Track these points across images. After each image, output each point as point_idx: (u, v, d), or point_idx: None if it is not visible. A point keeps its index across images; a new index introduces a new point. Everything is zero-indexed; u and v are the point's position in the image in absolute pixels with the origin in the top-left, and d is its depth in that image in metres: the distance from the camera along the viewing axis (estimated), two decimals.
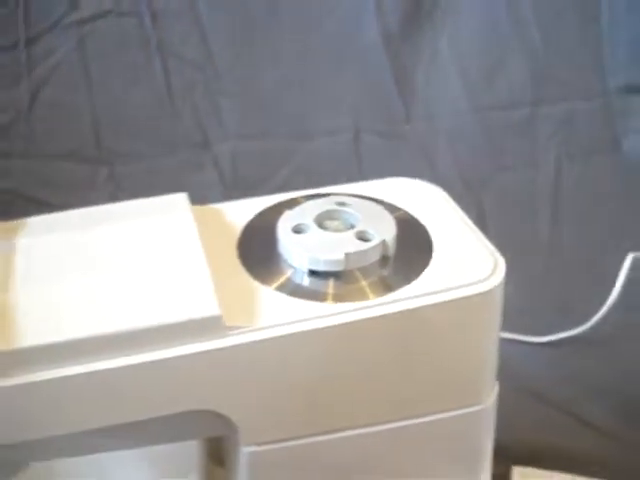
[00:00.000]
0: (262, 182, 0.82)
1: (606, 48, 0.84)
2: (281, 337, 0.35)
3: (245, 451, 0.38)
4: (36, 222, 0.40)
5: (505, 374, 0.42)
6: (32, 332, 0.33)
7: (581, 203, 0.81)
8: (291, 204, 0.42)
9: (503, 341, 0.41)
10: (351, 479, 0.41)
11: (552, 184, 0.82)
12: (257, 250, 0.40)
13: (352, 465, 0.41)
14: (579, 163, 0.83)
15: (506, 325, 0.41)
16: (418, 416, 0.40)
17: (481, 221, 0.78)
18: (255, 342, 0.35)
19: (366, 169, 0.83)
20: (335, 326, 0.36)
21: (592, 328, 0.67)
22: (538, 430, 0.62)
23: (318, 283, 0.38)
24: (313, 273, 0.38)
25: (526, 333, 0.70)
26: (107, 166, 0.82)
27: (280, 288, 0.37)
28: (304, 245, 0.38)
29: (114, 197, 0.81)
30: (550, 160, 0.83)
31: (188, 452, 0.44)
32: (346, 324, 0.36)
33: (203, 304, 0.34)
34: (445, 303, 0.37)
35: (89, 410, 0.35)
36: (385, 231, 0.39)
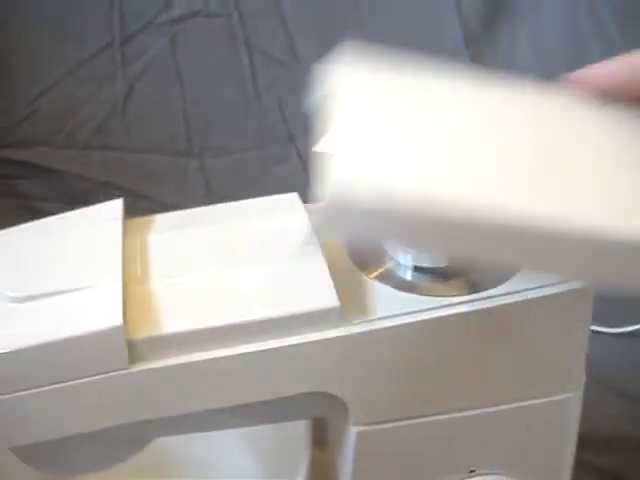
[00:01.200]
0: None
1: None
2: (391, 328, 0.38)
3: (354, 431, 0.41)
4: (161, 219, 0.44)
5: None
6: (169, 321, 0.37)
7: None
8: None
9: None
10: (449, 462, 0.44)
11: None
12: (364, 246, 0.43)
13: (449, 448, 0.44)
14: None
15: None
16: (510, 402, 0.42)
17: None
18: (368, 332, 0.38)
19: None
20: (437, 318, 0.38)
21: None
22: (611, 420, 0.64)
23: (420, 278, 0.41)
24: (417, 268, 0.41)
25: (601, 324, 0.71)
26: (197, 159, 0.86)
27: (385, 281, 0.40)
28: None
29: (205, 189, 0.86)
30: None
31: (298, 435, 0.47)
32: (447, 316, 0.39)
33: (325, 297, 0.37)
34: (541, 298, 0.39)
35: (216, 392, 0.38)
36: None
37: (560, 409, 0.44)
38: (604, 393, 0.66)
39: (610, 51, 0.83)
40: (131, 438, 0.42)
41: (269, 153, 0.86)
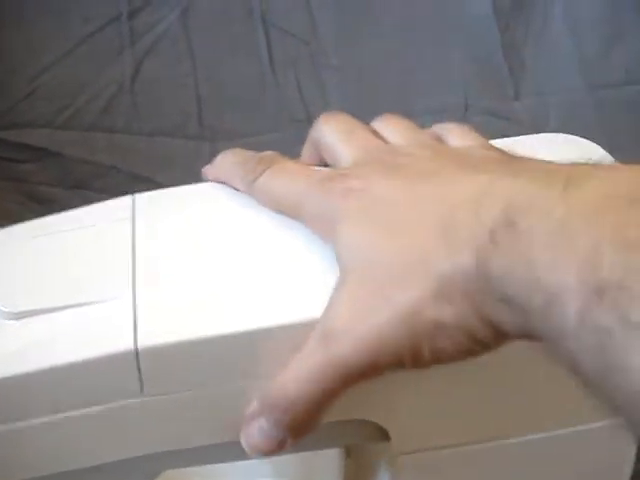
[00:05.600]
0: None
1: None
2: None
3: (395, 460, 0.37)
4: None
5: None
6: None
7: None
8: None
9: None
10: None
11: None
12: None
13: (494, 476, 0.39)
14: None
15: None
16: (559, 428, 0.39)
17: None
18: None
19: None
20: None
21: None
22: None
23: None
24: None
25: None
26: (209, 142, 0.81)
27: None
28: None
29: None
30: None
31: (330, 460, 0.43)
32: None
33: None
34: None
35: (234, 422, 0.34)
36: None
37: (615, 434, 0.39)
38: None
39: None
40: (141, 471, 0.37)
41: (286, 135, 0.81)
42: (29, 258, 0.35)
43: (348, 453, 0.46)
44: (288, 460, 0.46)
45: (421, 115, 0.81)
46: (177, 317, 0.31)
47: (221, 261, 0.34)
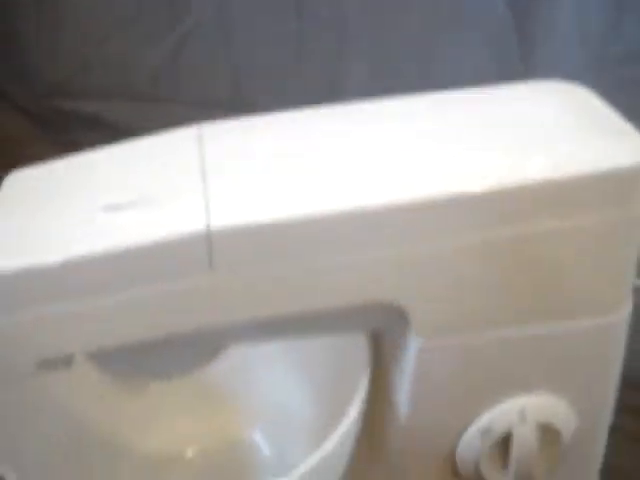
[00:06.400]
0: None
1: None
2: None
3: (413, 344, 0.42)
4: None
5: None
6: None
7: None
8: None
9: None
10: (505, 380, 0.45)
11: None
12: None
13: (505, 365, 0.44)
14: None
15: None
16: (556, 318, 0.43)
17: None
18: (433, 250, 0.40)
19: None
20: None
21: None
22: None
23: None
24: None
25: None
26: (245, 114, 0.87)
27: None
28: None
29: None
30: None
31: (359, 346, 0.48)
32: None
33: None
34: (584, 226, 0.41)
35: (291, 297, 0.40)
36: None
37: (605, 333, 0.45)
38: None
39: None
40: (206, 344, 0.43)
41: None
42: (117, 166, 0.42)
43: (376, 342, 0.49)
44: (319, 348, 0.52)
45: None
46: (246, 203, 0.38)
47: (283, 159, 0.42)
